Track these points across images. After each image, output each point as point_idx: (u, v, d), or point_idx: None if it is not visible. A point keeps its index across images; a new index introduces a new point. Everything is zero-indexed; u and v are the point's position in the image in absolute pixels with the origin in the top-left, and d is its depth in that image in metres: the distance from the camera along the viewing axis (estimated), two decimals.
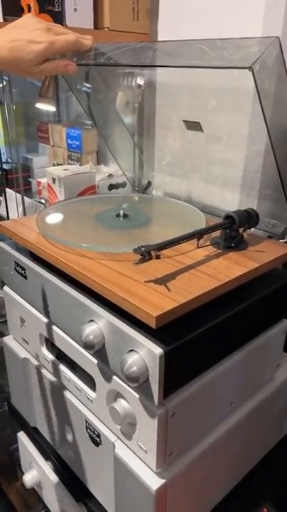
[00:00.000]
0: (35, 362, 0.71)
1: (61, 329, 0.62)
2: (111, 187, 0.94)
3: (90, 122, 1.02)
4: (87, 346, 0.52)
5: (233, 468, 0.67)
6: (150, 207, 0.85)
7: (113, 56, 0.59)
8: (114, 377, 0.53)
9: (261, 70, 0.41)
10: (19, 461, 0.95)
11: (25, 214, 0.90)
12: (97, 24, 0.74)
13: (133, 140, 0.94)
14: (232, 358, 0.56)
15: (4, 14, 0.66)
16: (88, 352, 0.56)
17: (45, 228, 0.65)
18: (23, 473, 0.88)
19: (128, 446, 0.55)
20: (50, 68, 0.59)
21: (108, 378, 0.54)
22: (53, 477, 0.76)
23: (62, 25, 0.70)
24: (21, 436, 0.85)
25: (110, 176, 0.95)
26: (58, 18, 0.68)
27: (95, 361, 0.55)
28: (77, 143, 0.99)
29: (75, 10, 0.71)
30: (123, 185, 0.96)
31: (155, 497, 0.51)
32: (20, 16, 0.68)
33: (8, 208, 0.93)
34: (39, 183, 1.01)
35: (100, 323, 0.52)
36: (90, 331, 0.52)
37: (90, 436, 0.61)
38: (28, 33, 0.55)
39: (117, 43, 0.64)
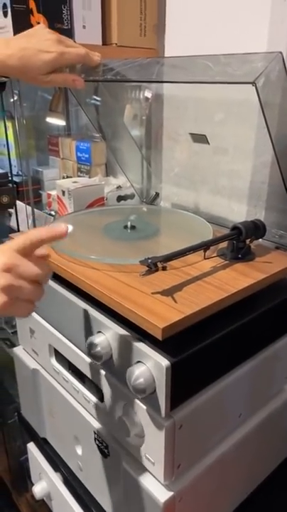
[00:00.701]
0: (44, 373, 0.72)
1: (69, 340, 0.62)
2: (120, 198, 0.95)
3: (99, 135, 1.04)
4: (95, 357, 0.52)
5: (242, 482, 0.67)
6: (157, 218, 0.85)
7: (121, 71, 0.60)
8: (122, 388, 0.53)
9: (264, 84, 0.42)
10: (29, 471, 0.96)
11: (35, 226, 0.91)
12: (105, 40, 0.76)
13: (141, 152, 0.95)
14: (240, 370, 0.56)
15: (15, 32, 0.69)
16: (95, 363, 0.56)
17: None
18: (32, 484, 0.88)
19: (136, 458, 0.55)
20: (58, 80, 0.61)
21: (115, 389, 0.54)
22: (62, 488, 0.76)
23: None
24: (31, 447, 0.85)
25: (119, 187, 0.97)
26: (67, 35, 0.70)
27: (103, 372, 0.56)
28: (87, 155, 1.01)
29: (84, 27, 0.72)
30: (131, 196, 0.97)
31: (163, 510, 0.50)
32: None
33: (19, 220, 0.95)
34: (49, 196, 1.03)
35: (108, 335, 0.53)
36: (98, 342, 0.52)
37: (98, 447, 0.61)
38: (39, 43, 0.57)
39: (125, 59, 0.66)
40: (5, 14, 0.70)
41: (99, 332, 0.54)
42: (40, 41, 0.57)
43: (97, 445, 0.61)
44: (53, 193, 1.00)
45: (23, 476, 1.47)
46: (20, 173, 1.18)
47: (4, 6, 0.69)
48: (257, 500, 0.68)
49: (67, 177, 1.06)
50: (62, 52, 0.57)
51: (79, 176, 1.06)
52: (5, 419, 1.44)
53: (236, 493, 0.66)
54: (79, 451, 0.67)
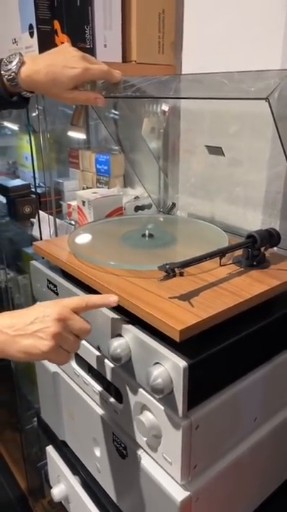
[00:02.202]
0: (64, 376, 0.74)
1: (90, 343, 0.65)
2: (137, 208, 0.98)
3: (117, 148, 1.08)
4: (115, 359, 0.55)
5: (258, 486, 0.67)
6: (174, 227, 0.88)
7: (141, 88, 0.64)
8: (140, 389, 0.55)
9: (277, 100, 0.44)
10: (47, 476, 0.97)
11: (56, 235, 0.95)
12: (125, 58, 0.80)
13: (158, 164, 0.98)
14: (256, 374, 0.58)
15: (40, 51, 0.73)
16: (115, 365, 0.58)
17: (75, 248, 0.69)
18: (50, 487, 0.90)
19: (153, 459, 0.56)
20: (81, 98, 0.65)
21: (134, 391, 0.56)
22: (80, 490, 0.77)
23: None
24: (50, 450, 0.87)
25: (136, 198, 1.00)
26: (89, 53, 0.74)
27: (122, 374, 0.58)
28: (106, 167, 1.04)
29: (105, 46, 0.76)
30: (148, 206, 0.99)
31: (180, 509, 0.52)
32: None
33: (41, 229, 0.99)
34: (69, 206, 1.06)
35: (127, 337, 0.55)
36: (117, 344, 0.54)
37: (117, 448, 0.63)
38: (64, 60, 0.61)
39: (144, 76, 0.69)
40: (31, 34, 0.74)
41: (119, 335, 0.56)
42: (65, 58, 0.61)
43: (115, 446, 0.63)
44: (73, 203, 1.03)
45: (40, 483, 1.48)
46: (41, 184, 1.23)
47: (30, 26, 0.74)
48: (271, 506, 0.69)
49: (87, 188, 1.10)
50: (86, 68, 0.61)
51: (98, 187, 1.10)
52: (23, 425, 1.47)
53: (251, 497, 0.67)
54: (97, 452, 0.69)
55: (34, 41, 0.74)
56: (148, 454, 0.57)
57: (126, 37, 0.79)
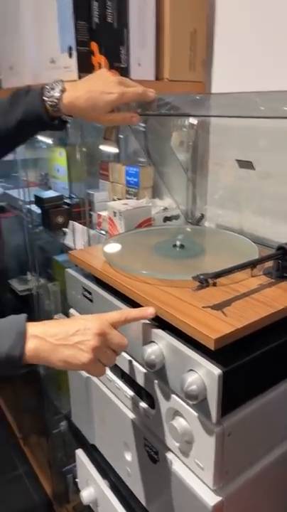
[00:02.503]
0: (97, 381, 0.77)
1: (124, 350, 0.67)
2: (166, 219, 1.00)
3: (146, 160, 1.11)
4: (149, 365, 0.57)
5: None
6: (204, 238, 0.90)
7: (174, 105, 0.67)
8: (173, 395, 0.57)
9: None
10: (72, 480, 0.99)
11: (89, 244, 0.98)
12: (158, 75, 0.83)
13: (187, 176, 1.00)
14: None
15: (78, 71, 0.77)
16: (149, 371, 0.61)
17: (109, 256, 0.72)
18: (78, 491, 0.92)
19: (185, 464, 0.58)
20: (118, 119, 0.69)
21: (167, 397, 0.58)
22: (110, 494, 0.79)
23: (127, 78, 0.79)
24: (80, 453, 0.90)
25: (165, 209, 1.02)
26: (124, 72, 0.78)
27: (155, 380, 0.60)
28: (135, 179, 1.07)
29: (139, 64, 0.80)
30: (177, 217, 1.02)
31: None
32: (92, 72, 0.79)
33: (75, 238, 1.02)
34: (99, 216, 1.10)
35: (161, 344, 0.57)
36: (152, 351, 0.57)
37: (148, 453, 0.65)
38: (103, 85, 0.66)
39: (176, 93, 0.72)
40: (70, 55, 0.78)
41: (153, 342, 0.58)
42: (103, 84, 0.65)
43: (147, 451, 0.65)
44: (103, 213, 1.07)
45: (64, 487, 1.51)
46: (72, 195, 1.27)
47: (70, 48, 0.78)
48: None
49: (118, 199, 1.13)
50: (123, 92, 0.65)
51: (127, 198, 1.13)
52: (49, 429, 1.50)
53: (281, 504, 0.67)
54: (128, 457, 0.71)
55: (73, 62, 0.78)
56: (179, 458, 0.59)
57: (159, 55, 0.82)
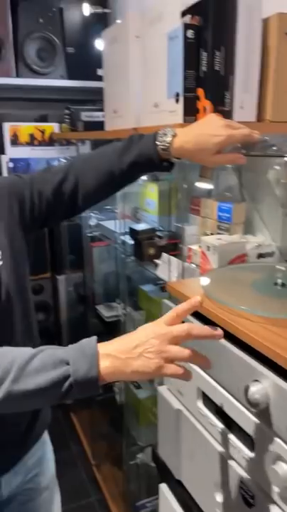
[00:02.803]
0: (188, 414, 0.77)
1: (221, 385, 0.67)
2: (260, 256, 1.00)
3: (239, 196, 1.12)
4: (252, 404, 0.56)
5: None
6: None
7: (280, 148, 0.68)
8: (276, 438, 0.55)
9: None
10: None
11: (183, 277, 1.00)
12: (259, 117, 0.85)
13: (282, 212, 1.00)
14: None
15: (185, 115, 0.82)
16: (251, 410, 0.60)
17: (208, 289, 0.73)
18: None
19: (283, 510, 0.55)
20: (223, 160, 0.73)
21: (269, 439, 0.57)
22: None
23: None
24: (163, 488, 0.89)
25: (259, 245, 1.02)
26: (227, 115, 0.81)
27: (257, 421, 0.59)
28: (228, 215, 1.09)
29: (241, 107, 0.83)
30: (271, 254, 1.01)
31: None
32: (196, 116, 0.84)
33: (165, 270, 1.06)
34: (189, 249, 1.12)
35: (265, 384, 0.56)
36: (256, 390, 0.56)
37: (243, 496, 0.62)
38: (211, 129, 0.70)
39: (280, 133, 0.73)
40: (177, 101, 0.84)
41: (256, 380, 0.58)
42: (213, 127, 0.70)
43: (242, 494, 0.63)
44: (194, 247, 1.09)
45: None
46: (161, 228, 1.32)
47: (177, 94, 0.84)
48: None
49: (210, 234, 1.15)
50: (230, 135, 0.69)
51: (218, 233, 1.14)
52: (126, 460, 1.50)
53: None
54: (218, 498, 0.69)
55: (179, 106, 0.83)
56: (277, 504, 0.56)
57: (261, 98, 0.85)
